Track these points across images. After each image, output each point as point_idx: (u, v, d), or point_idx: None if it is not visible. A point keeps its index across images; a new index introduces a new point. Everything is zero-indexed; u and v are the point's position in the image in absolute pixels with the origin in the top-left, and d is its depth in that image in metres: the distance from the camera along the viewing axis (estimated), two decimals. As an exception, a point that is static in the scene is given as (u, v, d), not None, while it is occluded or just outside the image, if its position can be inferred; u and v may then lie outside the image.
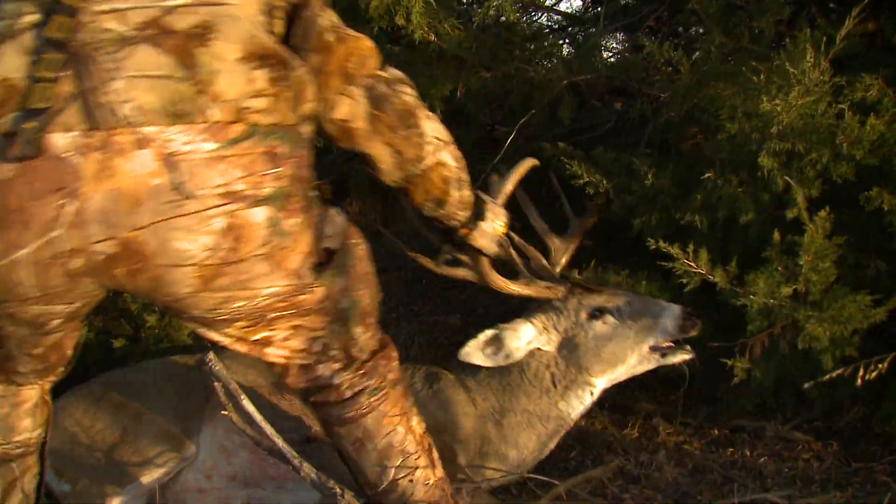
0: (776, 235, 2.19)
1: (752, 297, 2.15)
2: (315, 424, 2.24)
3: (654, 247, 2.27)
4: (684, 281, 2.27)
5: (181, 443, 2.19)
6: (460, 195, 2.04)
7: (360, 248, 1.83)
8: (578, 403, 2.40)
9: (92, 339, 2.84)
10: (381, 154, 1.88)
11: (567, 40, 3.37)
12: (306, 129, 1.69)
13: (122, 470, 2.13)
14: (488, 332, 2.30)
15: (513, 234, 2.32)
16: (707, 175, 2.34)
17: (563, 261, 2.51)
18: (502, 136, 3.20)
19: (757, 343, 2.21)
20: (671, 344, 2.27)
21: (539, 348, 2.35)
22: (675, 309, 2.24)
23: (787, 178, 2.17)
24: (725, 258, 2.35)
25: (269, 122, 1.52)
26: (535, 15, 3.42)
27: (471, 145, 2.97)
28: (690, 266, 2.22)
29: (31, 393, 1.84)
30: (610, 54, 3.34)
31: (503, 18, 3.04)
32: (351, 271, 1.79)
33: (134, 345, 2.90)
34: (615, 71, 3.03)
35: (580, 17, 3.44)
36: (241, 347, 1.73)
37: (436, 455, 1.98)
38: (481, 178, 3.28)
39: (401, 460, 1.88)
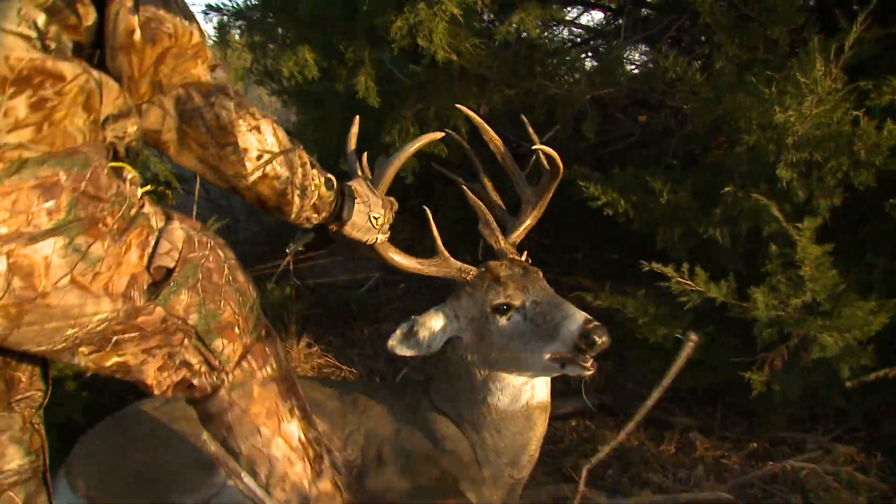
0: (773, 248, 2.16)
1: (756, 311, 2.10)
2: (340, 456, 2.26)
3: (646, 268, 2.24)
4: (683, 300, 2.23)
5: (211, 471, 2.20)
6: (305, 203, 1.92)
7: (209, 261, 1.72)
8: (503, 396, 2.22)
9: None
10: (196, 168, 1.79)
11: (589, 53, 3.35)
12: (109, 136, 1.58)
13: (154, 497, 2.17)
14: (404, 325, 2.23)
15: (482, 209, 2.30)
16: (727, 189, 2.31)
17: (515, 237, 2.37)
18: (527, 153, 3.21)
19: (777, 356, 2.17)
20: (570, 356, 2.04)
21: (458, 336, 2.25)
22: (578, 319, 2.01)
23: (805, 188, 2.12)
24: (752, 272, 2.31)
25: (40, 153, 1.42)
26: (556, 30, 3.41)
27: (495, 162, 2.98)
28: (687, 284, 2.18)
29: (10, 422, 1.83)
30: (632, 67, 3.32)
31: (524, 35, 3.04)
32: (199, 286, 1.69)
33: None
34: (638, 83, 3.00)
35: (601, 30, 3.42)
36: (105, 373, 1.68)
37: (326, 466, 1.89)
38: (507, 195, 3.31)
39: (267, 467, 1.82)
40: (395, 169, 2.17)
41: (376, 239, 2.12)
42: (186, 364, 1.75)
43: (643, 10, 3.17)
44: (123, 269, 1.55)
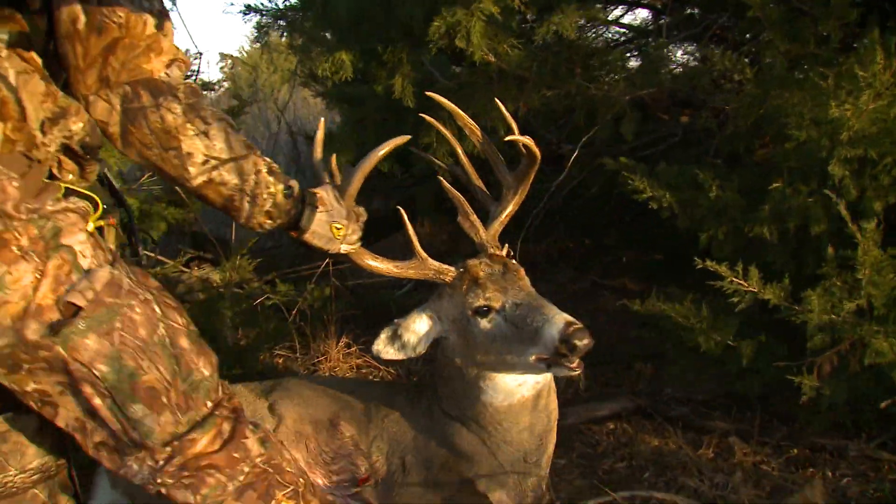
0: (830, 250, 2.10)
1: (809, 314, 2.05)
2: (366, 465, 2.24)
3: (700, 265, 2.19)
4: (735, 300, 2.18)
5: None
6: (255, 210, 1.86)
7: (134, 311, 1.55)
8: (496, 394, 2.14)
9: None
10: (142, 164, 1.75)
11: (634, 53, 3.33)
12: (54, 139, 1.53)
13: None
14: (387, 329, 2.17)
15: (460, 200, 2.20)
16: (775, 185, 2.27)
17: (497, 226, 2.27)
18: (567, 154, 3.19)
19: (826, 361, 2.11)
20: (554, 359, 1.96)
21: (444, 337, 2.19)
22: (558, 323, 1.93)
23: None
24: (799, 272, 2.27)
25: None
26: (598, 30, 3.39)
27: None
28: (741, 284, 2.13)
29: (28, 422, 1.77)
30: (675, 66, 3.29)
31: (565, 35, 3.03)
32: (116, 335, 1.52)
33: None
34: (680, 83, 2.97)
35: (645, 29, 3.40)
36: (34, 403, 1.58)
37: None
38: (546, 196, 3.29)
39: None
40: (362, 177, 2.09)
41: (339, 248, 2.05)
42: (105, 426, 1.58)
43: (687, 8, 3.14)
44: (14, 297, 1.44)
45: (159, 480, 1.62)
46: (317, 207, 1.95)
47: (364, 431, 2.28)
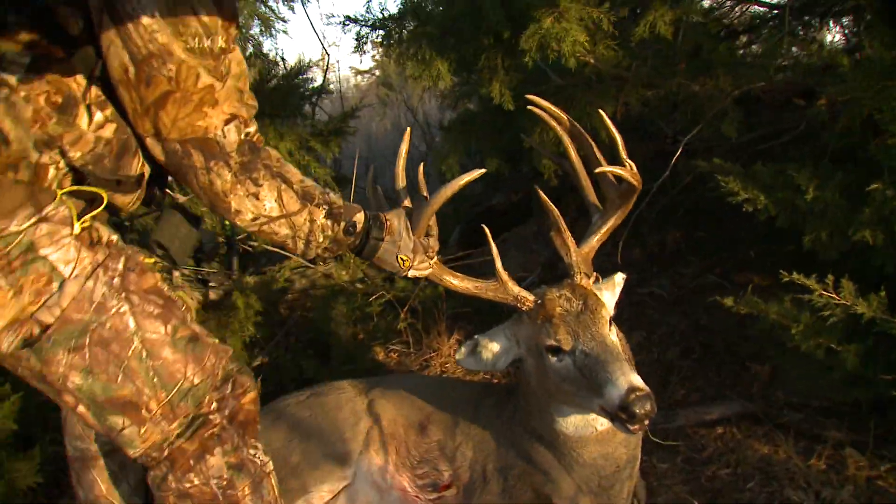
0: None
1: None
2: (449, 471, 2.30)
3: (786, 279, 2.08)
4: (825, 314, 2.06)
5: (343, 466, 2.32)
6: (309, 250, 1.87)
7: (103, 328, 1.56)
8: (567, 424, 2.13)
9: (288, 360, 3.17)
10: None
11: (742, 49, 3.20)
12: (47, 160, 1.52)
13: (293, 486, 2.29)
14: (469, 343, 2.17)
15: (556, 214, 2.10)
16: (874, 185, 2.13)
17: (589, 248, 2.19)
18: (672, 152, 3.12)
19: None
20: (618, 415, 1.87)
21: (522, 359, 2.17)
22: (621, 387, 1.85)
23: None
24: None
25: None
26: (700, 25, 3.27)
27: (643, 159, 2.89)
28: (832, 297, 2.01)
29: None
30: (783, 61, 3.12)
31: (661, 33, 2.96)
32: (87, 352, 1.54)
33: (322, 367, 3.18)
34: (792, 76, 2.83)
35: (754, 24, 3.25)
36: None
37: None
38: (648, 195, 3.24)
39: None
40: (431, 213, 2.05)
41: (407, 274, 2.04)
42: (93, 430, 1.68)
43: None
44: (4, 311, 1.48)
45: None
46: (382, 239, 1.95)
47: (451, 436, 2.35)
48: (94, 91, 1.56)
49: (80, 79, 1.54)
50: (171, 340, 1.62)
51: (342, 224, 1.87)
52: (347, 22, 3.73)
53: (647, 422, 1.85)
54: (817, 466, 2.64)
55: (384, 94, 8.48)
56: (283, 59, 4.42)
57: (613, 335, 2.04)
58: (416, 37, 3.26)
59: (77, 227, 1.54)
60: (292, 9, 7.77)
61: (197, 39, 1.52)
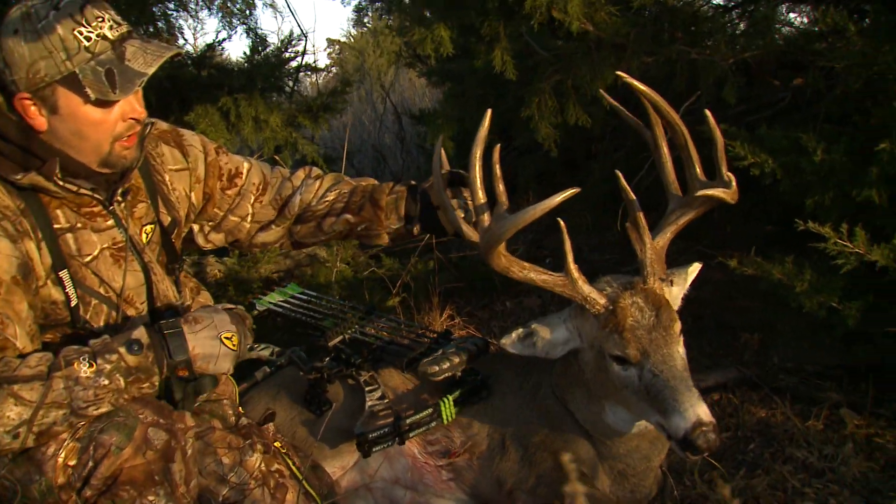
0: None
1: None
2: (462, 438, 2.31)
3: (801, 228, 2.11)
4: (839, 262, 2.10)
5: (352, 441, 2.25)
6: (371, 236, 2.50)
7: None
8: (615, 418, 2.12)
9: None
10: None
11: (736, 17, 3.23)
12: None
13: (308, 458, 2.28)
14: (522, 331, 2.11)
15: (635, 204, 2.01)
16: (882, 145, 2.17)
17: (664, 241, 2.09)
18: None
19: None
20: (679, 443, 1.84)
21: (579, 350, 2.14)
22: (689, 420, 1.79)
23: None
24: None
25: None
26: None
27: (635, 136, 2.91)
28: (846, 246, 2.05)
29: None
30: (782, 27, 3.17)
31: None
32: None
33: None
34: (786, 45, 2.87)
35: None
36: None
37: None
38: (645, 167, 3.26)
39: None
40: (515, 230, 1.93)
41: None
42: None
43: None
44: None
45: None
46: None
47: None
48: None
49: None
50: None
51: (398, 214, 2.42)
52: (347, -9, 3.68)
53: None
54: (815, 427, 2.70)
55: (356, 77, 8.41)
56: (264, 37, 4.31)
57: (682, 350, 1.99)
58: (420, 3, 3.22)
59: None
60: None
61: None
